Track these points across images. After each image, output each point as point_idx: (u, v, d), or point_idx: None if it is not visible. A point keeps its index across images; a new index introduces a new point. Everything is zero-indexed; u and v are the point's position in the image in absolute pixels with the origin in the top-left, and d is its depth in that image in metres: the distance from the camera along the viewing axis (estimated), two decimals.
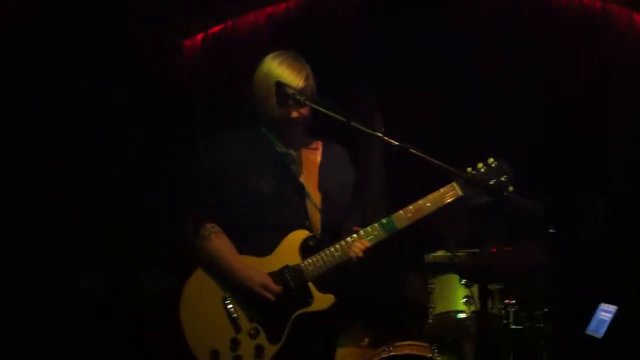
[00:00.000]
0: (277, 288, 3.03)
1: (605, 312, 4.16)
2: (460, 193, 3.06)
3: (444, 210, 3.10)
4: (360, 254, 3.05)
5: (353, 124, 2.89)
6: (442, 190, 3.07)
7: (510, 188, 2.99)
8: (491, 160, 3.04)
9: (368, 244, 3.07)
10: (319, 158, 3.28)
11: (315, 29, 5.26)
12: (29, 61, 4.65)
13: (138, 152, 5.05)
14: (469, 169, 3.04)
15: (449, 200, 3.07)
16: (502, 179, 3.01)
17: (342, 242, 3.08)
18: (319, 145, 3.32)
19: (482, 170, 3.04)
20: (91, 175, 4.92)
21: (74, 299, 4.83)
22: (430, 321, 4.18)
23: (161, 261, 4.75)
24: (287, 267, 3.08)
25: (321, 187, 3.20)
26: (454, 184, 3.07)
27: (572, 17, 5.22)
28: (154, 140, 5.08)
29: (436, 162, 2.82)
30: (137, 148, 5.04)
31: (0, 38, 4.54)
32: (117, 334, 4.76)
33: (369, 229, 3.08)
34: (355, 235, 3.08)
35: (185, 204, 3.22)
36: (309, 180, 3.20)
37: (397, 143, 2.86)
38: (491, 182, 3.00)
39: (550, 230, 3.55)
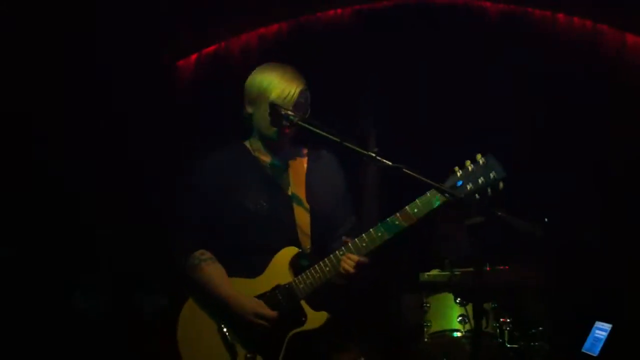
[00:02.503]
0: (271, 314, 2.99)
1: (601, 331, 4.15)
2: (444, 198, 2.91)
3: (443, 229, 2.99)
4: (351, 270, 2.96)
5: (346, 143, 2.86)
6: (428, 194, 2.93)
7: (501, 185, 2.88)
8: (479, 157, 2.94)
9: (357, 258, 2.97)
10: (305, 167, 3.23)
11: (307, 49, 5.29)
12: (25, 86, 4.69)
13: (136, 171, 5.07)
14: (456, 169, 2.94)
15: (438, 204, 2.93)
16: (491, 175, 2.89)
17: (331, 257, 3.01)
18: (304, 152, 3.26)
19: (470, 168, 2.93)
20: (92, 191, 4.97)
21: (74, 317, 4.83)
22: (425, 340, 4.18)
23: (162, 280, 4.75)
24: (278, 286, 3.04)
25: (309, 198, 3.15)
26: (427, 193, 2.93)
27: (564, 37, 5.25)
28: (152, 159, 5.10)
29: (429, 182, 2.76)
30: (136, 167, 5.06)
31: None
32: (116, 353, 4.75)
33: (357, 241, 2.99)
34: (344, 248, 3.00)
35: (174, 235, 3.20)
36: (297, 192, 3.15)
37: (390, 163, 2.80)
38: (480, 180, 2.89)
39: (545, 220, 3.48)
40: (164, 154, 5.13)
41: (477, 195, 2.88)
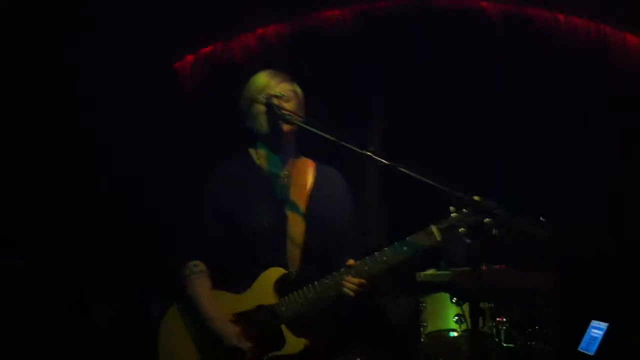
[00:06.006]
0: (247, 346, 2.97)
1: (597, 330, 4.15)
2: (438, 239, 2.90)
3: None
4: (352, 294, 2.94)
5: (342, 142, 2.87)
6: (420, 233, 2.93)
7: (495, 232, 2.78)
8: (477, 198, 2.83)
9: (359, 281, 2.94)
10: (310, 182, 3.19)
11: (308, 49, 5.28)
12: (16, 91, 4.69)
13: (130, 175, 5.06)
14: (452, 208, 2.88)
15: (427, 246, 2.92)
16: (486, 220, 2.78)
17: (316, 284, 2.98)
18: (312, 166, 3.23)
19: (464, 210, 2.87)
20: (94, 204, 4.97)
21: (83, 327, 4.84)
22: (422, 340, 4.18)
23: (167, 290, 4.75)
24: (260, 307, 3.01)
25: (310, 216, 3.10)
26: (432, 227, 2.91)
27: (569, 40, 5.23)
28: (150, 164, 5.10)
29: (428, 180, 2.76)
30: (130, 172, 5.05)
31: None
32: None
33: (361, 265, 2.95)
34: (343, 271, 2.96)
35: (171, 243, 3.24)
36: (297, 207, 3.11)
37: (386, 162, 2.82)
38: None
39: (541, 219, 3.48)
40: (161, 158, 5.13)
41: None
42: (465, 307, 4.11)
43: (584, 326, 4.25)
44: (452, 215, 2.90)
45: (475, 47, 5.21)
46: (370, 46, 5.31)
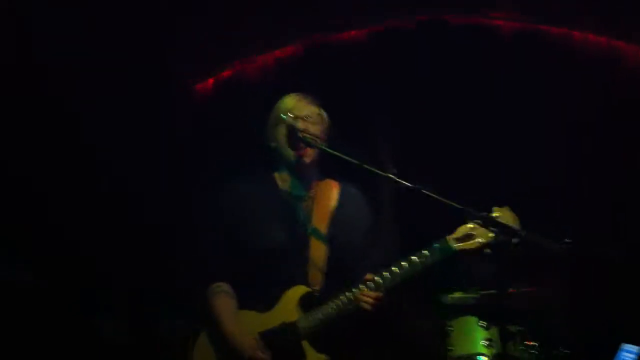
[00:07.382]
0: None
1: (628, 353, 4.05)
2: (454, 248, 2.99)
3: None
4: (370, 308, 2.98)
5: (365, 165, 2.89)
6: (435, 243, 3.01)
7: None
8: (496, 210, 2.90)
9: (376, 295, 2.99)
10: (333, 203, 3.23)
11: (324, 70, 5.28)
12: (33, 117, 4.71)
13: (148, 197, 5.04)
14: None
15: (442, 257, 2.99)
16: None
17: (335, 300, 3.02)
18: (336, 187, 3.27)
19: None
20: (106, 221, 4.95)
21: (93, 342, 4.80)
22: None
23: (179, 304, 4.71)
24: (283, 324, 3.05)
25: (333, 235, 3.15)
26: (447, 238, 3.01)
27: (580, 55, 5.20)
28: (166, 186, 5.08)
29: (451, 202, 2.76)
30: (130, 172, 5.02)
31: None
32: None
33: (378, 278, 3.00)
34: (360, 286, 3.00)
35: (193, 265, 3.24)
36: (318, 227, 3.15)
37: (409, 184, 2.83)
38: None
39: (566, 240, 3.44)
40: (161, 158, 5.12)
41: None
42: (494, 330, 4.03)
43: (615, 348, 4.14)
44: (467, 225, 2.97)
45: (483, 62, 5.20)
46: (385, 65, 5.30)
